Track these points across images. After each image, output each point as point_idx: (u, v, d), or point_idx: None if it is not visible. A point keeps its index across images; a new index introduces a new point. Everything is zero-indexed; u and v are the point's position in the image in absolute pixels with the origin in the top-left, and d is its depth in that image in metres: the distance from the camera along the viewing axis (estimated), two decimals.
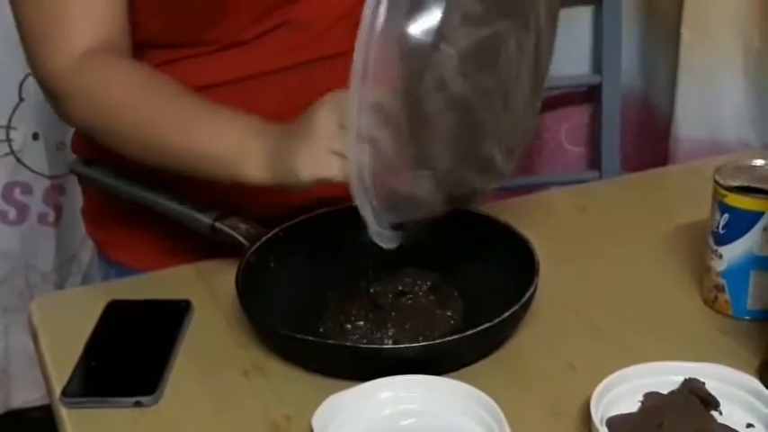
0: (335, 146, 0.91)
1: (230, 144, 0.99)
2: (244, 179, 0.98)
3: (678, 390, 0.86)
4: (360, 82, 0.83)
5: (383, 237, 0.93)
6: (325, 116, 0.92)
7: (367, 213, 0.90)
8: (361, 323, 0.98)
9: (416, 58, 0.86)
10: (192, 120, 1.03)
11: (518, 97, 0.96)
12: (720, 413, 0.84)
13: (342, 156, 0.90)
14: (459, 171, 0.93)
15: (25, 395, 1.97)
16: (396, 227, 0.94)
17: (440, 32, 0.85)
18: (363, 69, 0.83)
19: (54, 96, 1.08)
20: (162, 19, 1.10)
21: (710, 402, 0.85)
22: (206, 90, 1.09)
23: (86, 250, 2.01)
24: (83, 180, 1.19)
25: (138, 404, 0.89)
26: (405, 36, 0.84)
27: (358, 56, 0.82)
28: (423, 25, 0.85)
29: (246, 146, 0.98)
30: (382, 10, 0.81)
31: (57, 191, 1.93)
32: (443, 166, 0.91)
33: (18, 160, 1.88)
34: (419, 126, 0.88)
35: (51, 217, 1.94)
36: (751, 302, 0.97)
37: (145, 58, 1.12)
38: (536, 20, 0.96)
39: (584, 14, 1.66)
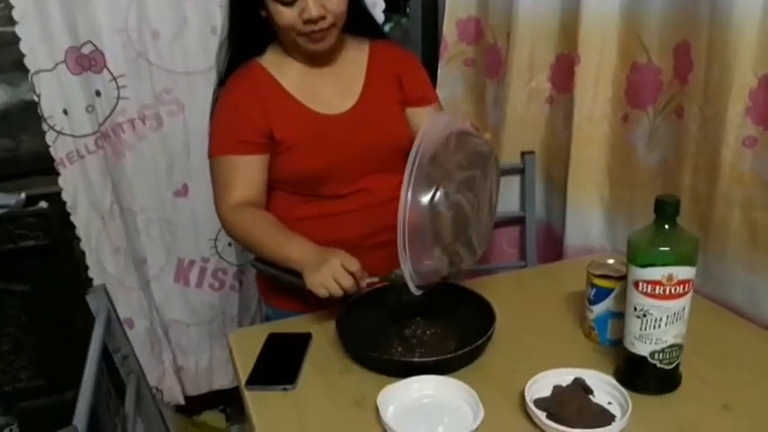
0: (336, 276, 0.94)
1: (293, 253, 0.99)
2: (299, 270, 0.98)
3: (571, 383, 0.86)
4: (401, 225, 0.84)
5: (416, 291, 0.92)
6: (335, 260, 0.95)
7: (410, 282, 0.90)
8: (400, 349, 0.98)
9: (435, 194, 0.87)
10: (280, 239, 1.03)
11: (484, 209, 0.97)
12: (593, 396, 0.84)
13: (339, 284, 0.93)
14: (454, 244, 0.92)
15: (221, 381, 1.96)
16: (419, 287, 0.92)
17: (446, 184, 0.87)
18: (403, 213, 0.84)
19: (222, 223, 1.08)
20: (293, 186, 1.12)
21: (588, 390, 0.85)
22: (313, 219, 1.09)
23: (253, 305, 1.97)
24: (255, 267, 1.19)
25: (284, 389, 0.90)
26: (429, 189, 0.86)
27: (401, 202, 0.84)
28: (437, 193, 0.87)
29: (299, 256, 0.99)
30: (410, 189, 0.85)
31: (240, 273, 1.92)
32: (447, 241, 0.90)
33: (220, 257, 1.88)
34: (435, 221, 0.88)
35: (237, 287, 1.93)
36: (609, 336, 0.97)
37: (283, 199, 1.12)
38: (491, 172, 0.97)
39: (515, 179, 1.65)
